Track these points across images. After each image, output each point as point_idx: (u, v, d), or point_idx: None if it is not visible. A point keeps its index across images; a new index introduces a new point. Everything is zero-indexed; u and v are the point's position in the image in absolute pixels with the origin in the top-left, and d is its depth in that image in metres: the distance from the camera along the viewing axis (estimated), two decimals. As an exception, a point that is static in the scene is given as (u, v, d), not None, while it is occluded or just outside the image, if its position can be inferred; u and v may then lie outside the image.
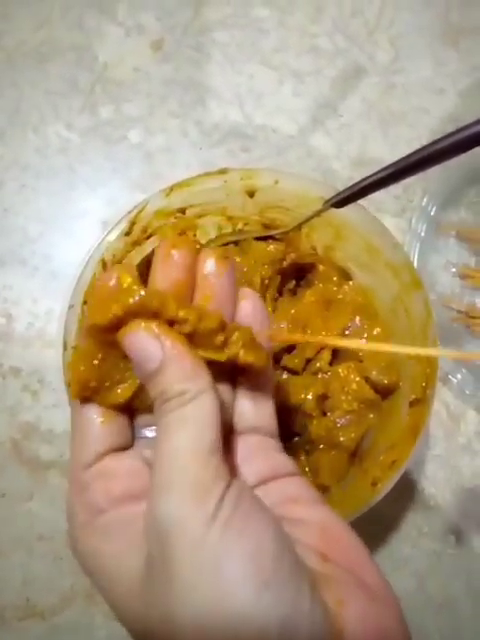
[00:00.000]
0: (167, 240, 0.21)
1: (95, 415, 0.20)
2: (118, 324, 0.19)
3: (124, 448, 0.20)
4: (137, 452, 0.21)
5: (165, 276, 0.21)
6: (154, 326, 0.19)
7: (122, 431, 0.21)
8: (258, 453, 0.21)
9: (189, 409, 0.18)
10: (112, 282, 0.19)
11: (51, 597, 0.37)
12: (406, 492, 0.40)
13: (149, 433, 0.21)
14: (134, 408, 0.21)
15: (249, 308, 0.22)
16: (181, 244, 0.21)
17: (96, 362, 0.20)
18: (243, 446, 0.21)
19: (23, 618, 0.37)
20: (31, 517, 0.38)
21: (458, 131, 0.24)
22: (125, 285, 0.19)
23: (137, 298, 0.18)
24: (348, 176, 0.45)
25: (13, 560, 0.38)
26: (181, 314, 0.19)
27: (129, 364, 0.20)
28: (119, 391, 0.20)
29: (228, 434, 0.21)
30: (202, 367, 0.19)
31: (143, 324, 0.19)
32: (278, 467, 0.21)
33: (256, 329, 0.21)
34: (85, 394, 0.20)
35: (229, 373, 0.22)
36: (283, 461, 0.22)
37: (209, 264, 0.21)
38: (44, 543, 0.38)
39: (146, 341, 0.18)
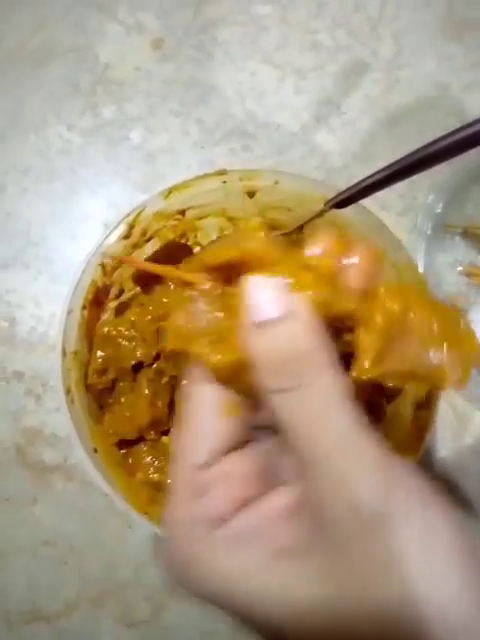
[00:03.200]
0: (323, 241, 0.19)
1: (216, 402, 0.17)
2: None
3: (242, 445, 0.18)
4: (258, 449, 0.18)
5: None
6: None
7: (244, 425, 0.18)
8: None
9: (331, 380, 0.16)
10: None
11: (56, 601, 0.37)
12: (413, 494, 0.39)
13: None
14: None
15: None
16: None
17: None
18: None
19: (29, 622, 0.37)
20: (35, 522, 0.38)
21: (462, 128, 0.23)
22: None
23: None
24: (351, 174, 0.44)
25: (18, 564, 0.38)
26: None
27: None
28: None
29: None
30: (325, 332, 0.17)
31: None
32: None
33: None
34: (182, 339, 0.18)
35: None
36: None
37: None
38: (49, 548, 0.38)
39: (274, 288, 0.17)
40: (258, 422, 0.19)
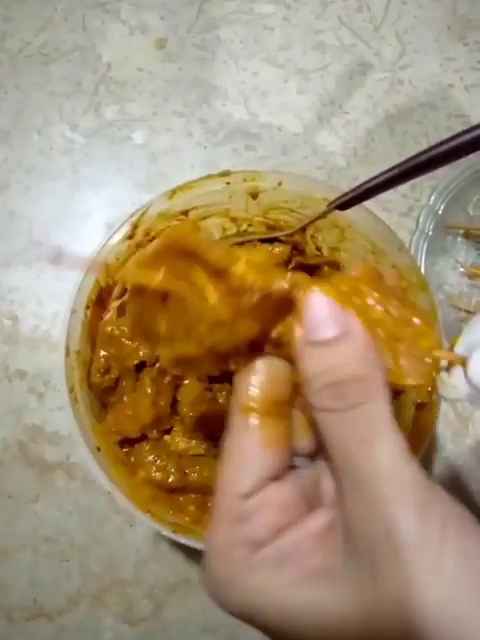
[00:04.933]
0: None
1: (258, 437, 0.18)
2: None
3: (284, 473, 0.19)
4: (296, 477, 0.19)
5: None
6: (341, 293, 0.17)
7: (284, 457, 0.19)
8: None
9: (379, 405, 0.16)
10: None
11: (57, 598, 0.38)
12: (413, 494, 0.40)
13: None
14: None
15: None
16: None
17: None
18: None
19: (30, 619, 0.37)
20: (37, 519, 0.38)
21: (465, 132, 0.23)
22: None
23: None
24: (354, 174, 0.44)
25: (19, 561, 0.38)
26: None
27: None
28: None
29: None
30: (380, 354, 0.17)
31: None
32: None
33: None
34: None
35: None
36: None
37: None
38: (50, 545, 0.38)
39: (331, 305, 0.17)
40: (297, 450, 0.20)
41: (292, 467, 0.20)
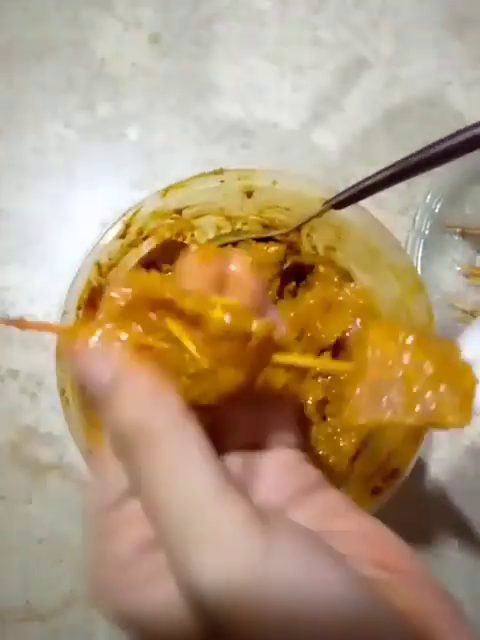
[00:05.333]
0: (194, 254, 0.18)
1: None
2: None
3: None
4: None
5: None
6: (106, 331, 0.16)
7: None
8: (289, 469, 0.20)
9: (174, 445, 0.15)
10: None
11: (51, 600, 0.37)
12: (408, 495, 0.39)
13: None
14: None
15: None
16: (208, 256, 0.18)
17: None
18: (272, 464, 0.20)
19: (23, 620, 0.37)
20: (30, 520, 0.38)
21: (461, 132, 0.23)
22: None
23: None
24: (351, 172, 0.44)
25: (13, 562, 0.38)
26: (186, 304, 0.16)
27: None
28: None
29: (253, 454, 0.20)
30: (165, 388, 0.16)
31: (96, 331, 0.16)
32: (310, 481, 0.20)
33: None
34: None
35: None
36: (314, 473, 0.20)
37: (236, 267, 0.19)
38: (44, 546, 0.38)
39: (94, 356, 0.16)
40: None
41: None
